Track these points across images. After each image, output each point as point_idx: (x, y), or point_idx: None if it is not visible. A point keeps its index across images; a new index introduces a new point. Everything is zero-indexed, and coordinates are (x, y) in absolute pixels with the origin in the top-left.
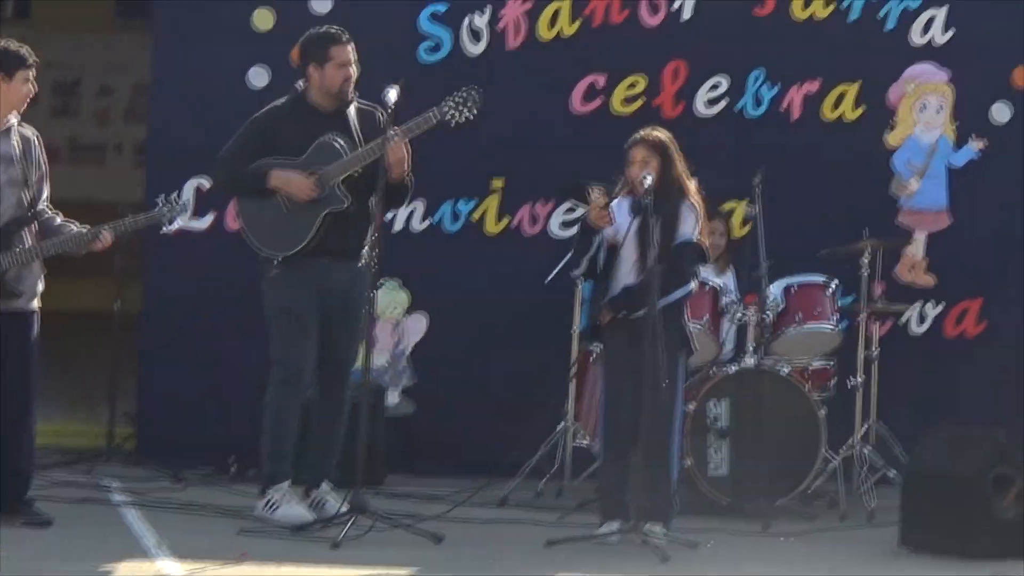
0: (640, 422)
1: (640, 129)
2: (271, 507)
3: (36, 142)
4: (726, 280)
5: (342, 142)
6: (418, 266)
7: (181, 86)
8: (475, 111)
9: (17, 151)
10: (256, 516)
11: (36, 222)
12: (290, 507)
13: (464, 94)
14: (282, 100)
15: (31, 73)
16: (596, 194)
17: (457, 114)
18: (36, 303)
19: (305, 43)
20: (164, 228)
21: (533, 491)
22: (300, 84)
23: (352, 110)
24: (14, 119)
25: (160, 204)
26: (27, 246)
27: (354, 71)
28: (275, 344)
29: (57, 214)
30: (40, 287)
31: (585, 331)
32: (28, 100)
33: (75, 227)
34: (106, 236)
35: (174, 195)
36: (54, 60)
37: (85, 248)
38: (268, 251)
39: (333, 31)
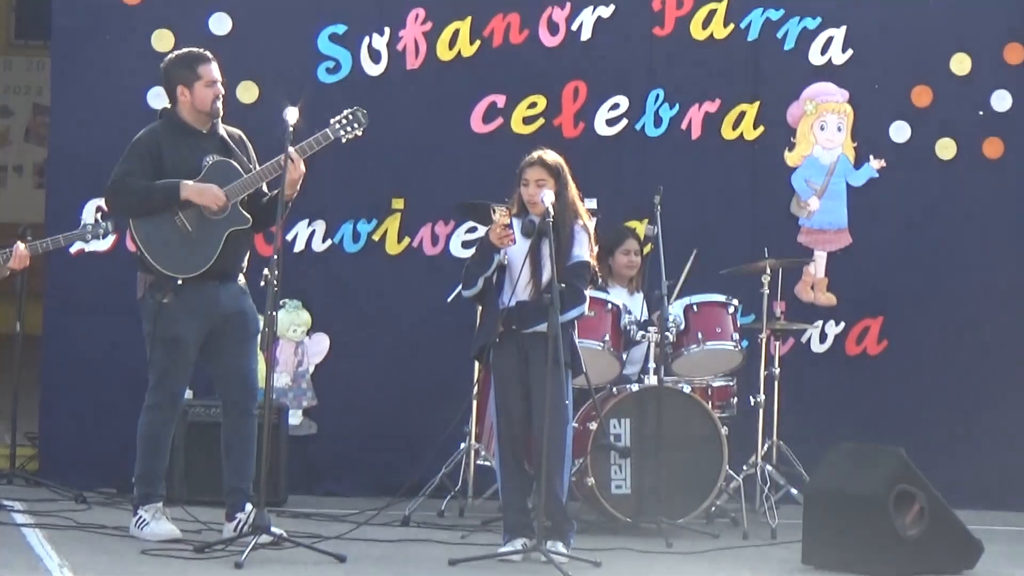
0: (533, 439)
1: (536, 150)
2: (141, 525)
3: None
4: (636, 301)
5: (236, 163)
6: (319, 286)
7: (81, 107)
8: (361, 131)
9: None
10: (130, 535)
11: None
12: (158, 524)
13: (350, 115)
14: (156, 123)
15: None
16: (500, 213)
17: (345, 133)
18: None
19: (171, 65)
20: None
21: (436, 510)
22: (166, 107)
23: (222, 130)
24: None
25: (85, 225)
26: None
27: (221, 88)
28: (154, 369)
29: None
30: None
31: (474, 353)
32: None
33: None
34: (21, 252)
35: (98, 216)
36: None
37: (2, 271)
38: (172, 272)
39: (197, 51)
